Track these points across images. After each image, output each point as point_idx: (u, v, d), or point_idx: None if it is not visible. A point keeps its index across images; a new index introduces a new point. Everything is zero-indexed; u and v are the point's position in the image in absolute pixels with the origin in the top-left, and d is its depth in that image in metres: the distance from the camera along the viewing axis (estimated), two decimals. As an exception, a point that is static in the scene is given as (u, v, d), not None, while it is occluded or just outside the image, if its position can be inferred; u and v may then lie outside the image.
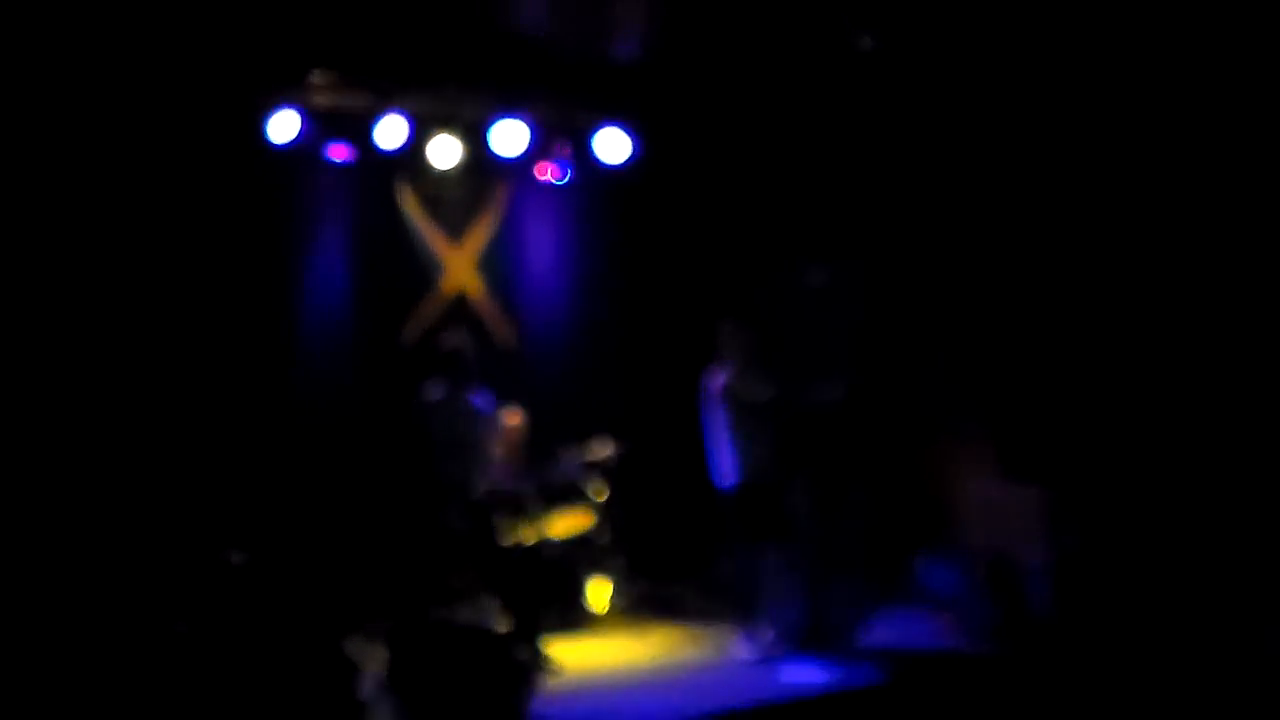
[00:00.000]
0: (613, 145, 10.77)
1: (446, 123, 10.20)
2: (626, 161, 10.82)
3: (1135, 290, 8.90)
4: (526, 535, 8.95)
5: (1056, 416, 9.15)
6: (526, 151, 10.41)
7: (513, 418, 9.57)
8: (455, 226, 10.71)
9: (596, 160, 10.80)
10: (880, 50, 9.12)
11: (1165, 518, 8.45)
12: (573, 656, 8.28)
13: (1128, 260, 8.92)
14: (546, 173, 10.76)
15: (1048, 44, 8.92)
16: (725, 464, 8.42)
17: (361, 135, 9.93)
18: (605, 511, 9.62)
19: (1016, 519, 8.86)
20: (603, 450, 9.65)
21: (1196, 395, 8.50)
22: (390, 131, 9.90)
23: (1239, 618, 7.67)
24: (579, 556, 9.15)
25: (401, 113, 9.92)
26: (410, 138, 9.99)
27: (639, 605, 9.66)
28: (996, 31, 8.95)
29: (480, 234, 10.81)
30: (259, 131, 9.51)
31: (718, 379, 8.50)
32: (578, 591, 9.04)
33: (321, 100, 9.80)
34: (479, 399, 8.86)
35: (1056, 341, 9.31)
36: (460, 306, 10.64)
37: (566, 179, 10.81)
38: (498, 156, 10.37)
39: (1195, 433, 8.48)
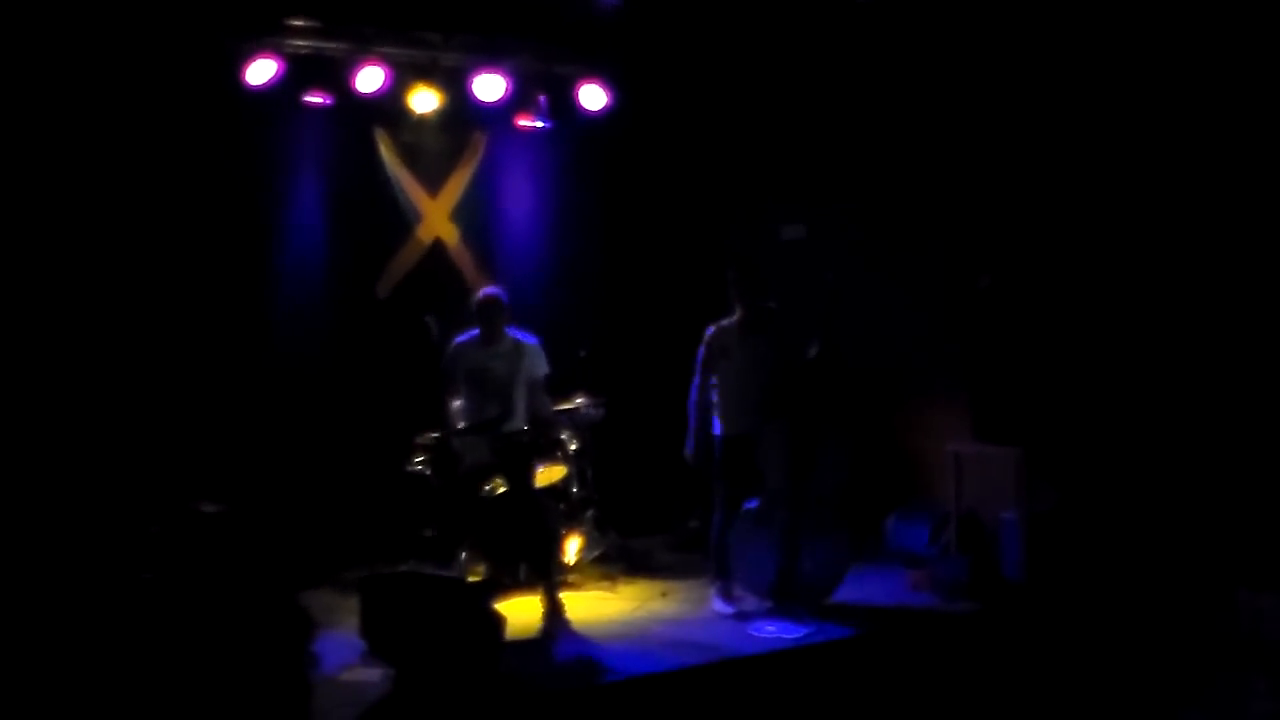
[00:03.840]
0: (590, 95, 10.65)
1: (425, 71, 10.08)
2: (605, 110, 10.69)
3: (1109, 250, 8.91)
4: (498, 485, 8.92)
5: (1029, 375, 9.21)
6: (505, 101, 10.29)
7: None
8: (433, 175, 10.65)
9: (574, 110, 10.67)
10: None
11: (1137, 477, 8.50)
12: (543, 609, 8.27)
13: (1102, 217, 8.94)
14: (524, 121, 10.65)
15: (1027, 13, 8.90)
16: (716, 415, 8.41)
17: (339, 80, 9.76)
18: (577, 463, 9.61)
19: (988, 477, 8.92)
20: (576, 401, 9.66)
21: (1168, 354, 8.53)
22: (368, 78, 9.75)
23: (1210, 578, 7.71)
24: (551, 508, 9.03)
25: (379, 59, 9.81)
26: (388, 85, 9.85)
27: (610, 559, 9.63)
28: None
29: (458, 183, 10.76)
30: (236, 75, 9.37)
31: (720, 325, 8.47)
32: (556, 543, 8.89)
33: (298, 45, 9.65)
34: (522, 335, 8.88)
35: (1030, 299, 9.35)
36: (436, 255, 10.62)
37: (544, 127, 10.68)
38: (477, 104, 10.24)
39: (1167, 392, 8.52)
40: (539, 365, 8.91)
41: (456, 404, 8.88)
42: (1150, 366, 8.61)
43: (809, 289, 8.43)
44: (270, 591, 7.02)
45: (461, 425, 8.73)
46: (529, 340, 8.88)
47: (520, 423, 8.85)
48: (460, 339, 8.80)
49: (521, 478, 8.51)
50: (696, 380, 8.47)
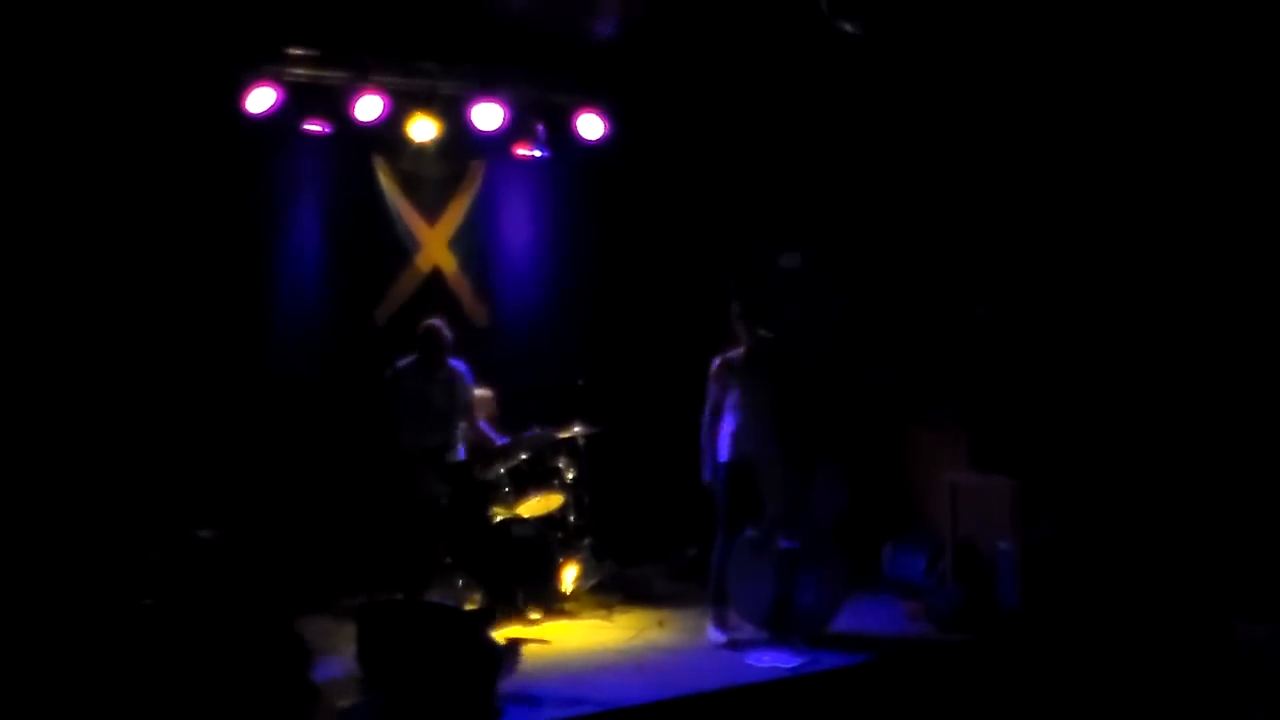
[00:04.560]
0: (588, 125, 10.71)
1: (424, 100, 10.14)
2: (601, 140, 10.75)
3: (1106, 280, 8.91)
4: (496, 512, 8.94)
5: (1027, 406, 9.18)
6: (503, 130, 10.34)
7: (484, 395, 9.59)
8: (431, 203, 10.68)
9: (572, 139, 10.72)
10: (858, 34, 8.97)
11: (1134, 508, 8.49)
12: (541, 637, 8.36)
13: (1098, 248, 8.94)
14: (522, 150, 10.68)
15: (1030, 36, 8.88)
16: (721, 443, 8.41)
17: (338, 109, 9.86)
18: (574, 492, 9.59)
19: (985, 507, 8.91)
20: (573, 429, 9.61)
21: (1166, 386, 8.52)
22: (367, 106, 9.83)
23: (1207, 609, 7.66)
24: (548, 536, 9.06)
25: (378, 88, 9.87)
26: (387, 113, 9.93)
27: (607, 587, 9.58)
28: (978, 21, 8.88)
29: (456, 211, 10.78)
30: (236, 103, 9.43)
31: (725, 356, 8.50)
32: (549, 571, 8.95)
33: (298, 73, 9.73)
34: (457, 363, 9.06)
35: (1027, 328, 9.34)
36: (434, 283, 10.63)
37: (541, 156, 10.70)
38: (475, 133, 10.30)
39: (1165, 424, 8.50)
40: (468, 392, 9.15)
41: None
42: (1148, 397, 8.59)
43: (807, 317, 8.40)
44: (268, 618, 7.00)
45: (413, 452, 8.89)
46: (460, 368, 9.11)
47: (458, 452, 9.07)
48: (398, 365, 9.00)
49: (478, 511, 8.73)
50: (707, 410, 8.49)
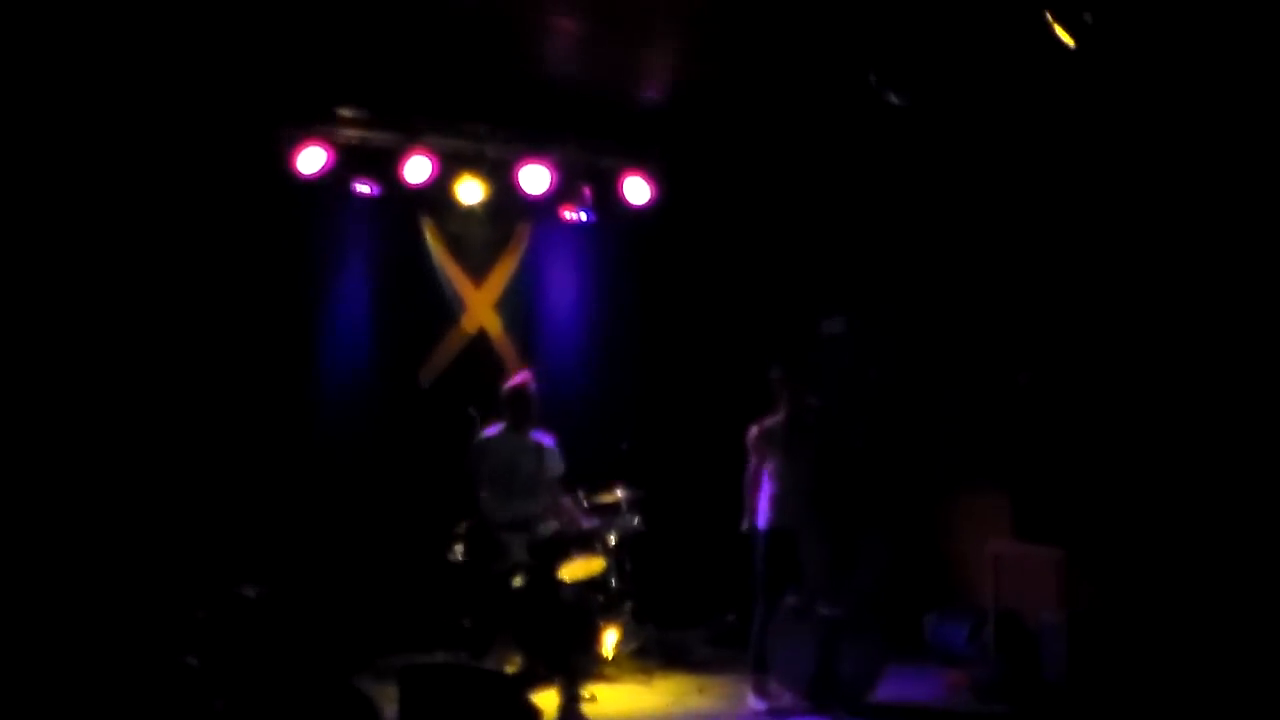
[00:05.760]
0: (634, 188, 10.77)
1: (472, 162, 10.23)
2: (647, 204, 10.82)
3: (1152, 347, 8.85)
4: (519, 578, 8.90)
5: (1071, 474, 9.11)
6: (550, 193, 10.40)
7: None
8: (478, 265, 10.74)
9: (618, 202, 10.79)
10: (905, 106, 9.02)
11: (1184, 578, 8.34)
12: (581, 702, 8.22)
13: (1144, 316, 8.89)
14: (569, 213, 10.76)
15: (1070, 112, 8.90)
16: (761, 509, 8.41)
17: (387, 170, 9.94)
18: (616, 556, 9.55)
19: (1029, 577, 8.85)
20: (617, 494, 9.61)
21: (1217, 453, 8.40)
22: (416, 168, 9.92)
23: (1257, 685, 7.56)
24: (591, 601, 9.01)
25: (427, 149, 9.96)
26: (436, 175, 9.99)
27: (647, 652, 9.52)
28: (1021, 93, 8.88)
29: (502, 273, 10.84)
30: (286, 164, 9.56)
31: (763, 424, 8.50)
32: (591, 636, 8.91)
33: (348, 135, 9.85)
34: (542, 435, 8.83)
35: (1073, 398, 9.26)
36: (479, 345, 10.67)
37: (588, 219, 10.79)
38: (522, 196, 10.36)
39: (1216, 491, 8.38)
40: (558, 465, 8.89)
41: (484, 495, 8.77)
42: (1198, 464, 8.47)
43: (850, 383, 8.38)
44: (328, 677, 6.97)
45: (499, 519, 8.63)
46: (548, 442, 8.86)
47: (549, 523, 8.82)
48: (487, 433, 8.75)
49: (549, 577, 8.51)
50: (749, 468, 8.49)
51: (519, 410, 8.69)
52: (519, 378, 8.87)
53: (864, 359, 8.90)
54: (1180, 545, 8.47)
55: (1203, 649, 8.01)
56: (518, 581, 8.40)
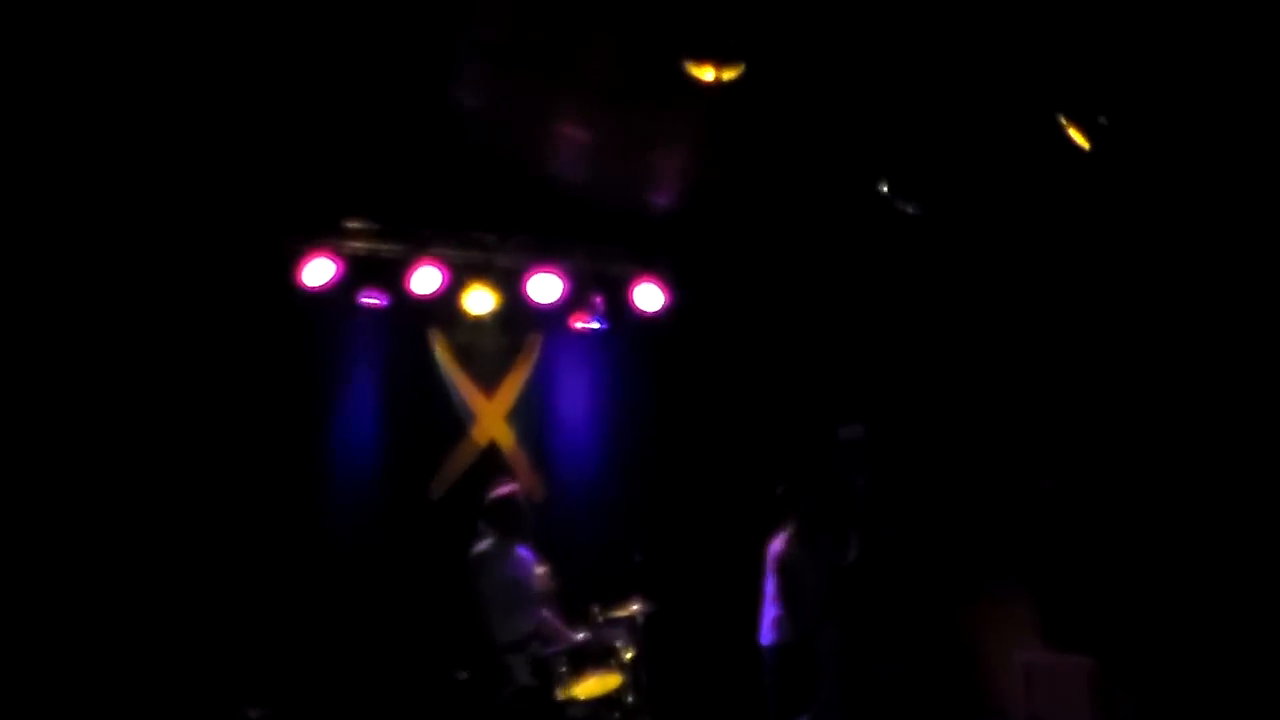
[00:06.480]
0: (646, 295, 10.76)
1: (481, 271, 10.20)
2: (660, 311, 10.78)
3: (1179, 449, 8.65)
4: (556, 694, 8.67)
5: (1102, 579, 8.88)
6: (560, 301, 10.38)
7: (541, 572, 9.24)
8: (488, 376, 10.66)
9: (630, 310, 10.76)
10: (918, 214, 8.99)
11: (1225, 690, 8.06)
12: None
13: (1169, 419, 8.72)
14: (580, 322, 10.71)
15: (1089, 213, 8.83)
16: (776, 623, 8.37)
17: (395, 281, 9.93)
18: (632, 672, 9.16)
19: (1061, 688, 8.65)
20: (631, 607, 9.30)
21: (1256, 557, 8.20)
22: (424, 279, 9.90)
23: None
24: (605, 719, 8.74)
25: (436, 260, 9.93)
26: (445, 285, 9.98)
27: None
28: (1037, 196, 8.86)
29: (513, 384, 10.75)
30: (293, 276, 9.54)
31: (776, 542, 8.48)
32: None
33: (356, 246, 9.83)
34: (524, 550, 8.65)
35: (1100, 501, 9.07)
36: (491, 457, 10.51)
37: (600, 328, 10.74)
38: (532, 305, 10.34)
39: (1257, 598, 8.15)
40: (543, 580, 8.71)
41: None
42: (1233, 568, 8.24)
43: (868, 491, 8.27)
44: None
45: (500, 640, 8.38)
46: (529, 556, 8.68)
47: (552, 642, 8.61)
48: (480, 547, 8.50)
49: (551, 700, 8.33)
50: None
51: (510, 521, 8.53)
52: (506, 487, 8.72)
53: (883, 466, 8.75)
54: (1220, 653, 8.18)
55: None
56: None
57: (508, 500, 8.56)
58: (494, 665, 8.28)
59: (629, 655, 9.16)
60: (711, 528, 10.73)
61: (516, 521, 8.52)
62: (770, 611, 8.30)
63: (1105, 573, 8.85)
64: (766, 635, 8.31)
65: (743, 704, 9.70)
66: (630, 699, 9.09)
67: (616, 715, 8.89)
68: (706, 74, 7.39)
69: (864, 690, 8.01)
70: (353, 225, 9.78)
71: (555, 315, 10.62)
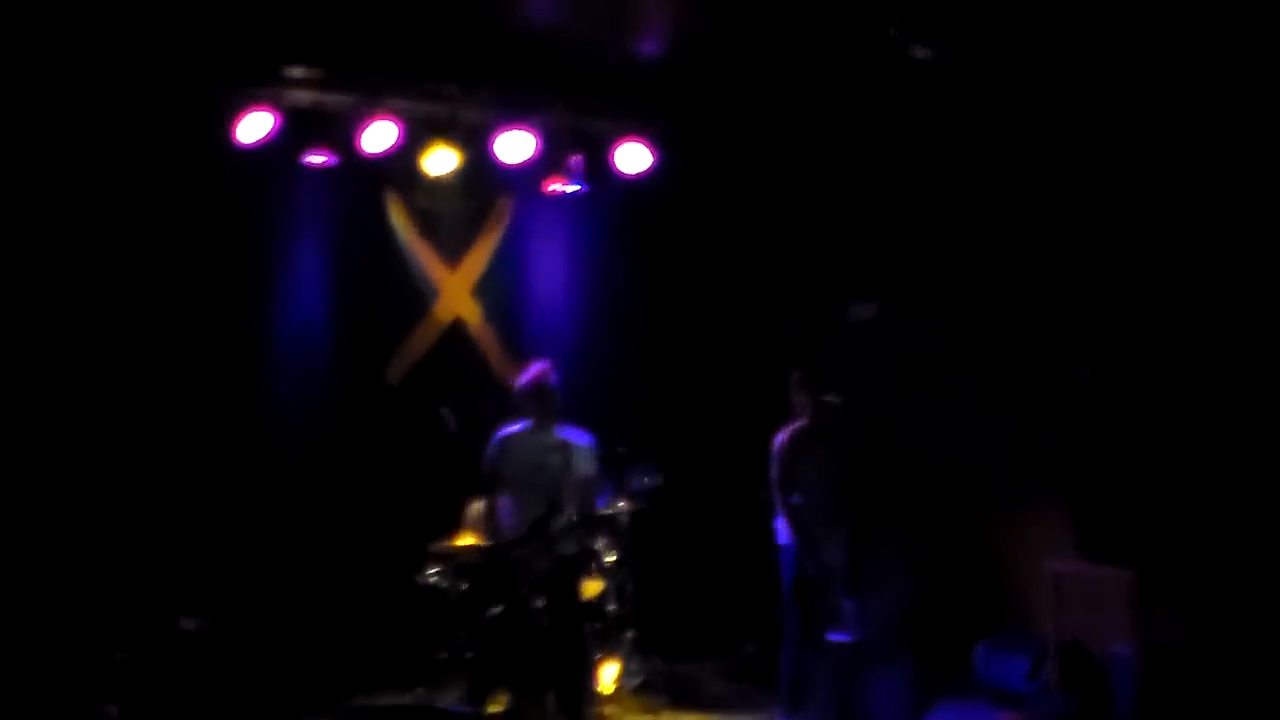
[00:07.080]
0: (631, 155, 10.25)
1: (443, 128, 9.63)
2: (646, 173, 10.28)
3: (1235, 336, 8.00)
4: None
5: (1143, 482, 8.33)
6: (533, 161, 9.86)
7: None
8: (451, 245, 10.25)
9: (612, 171, 10.27)
10: (935, 60, 8.60)
11: (1274, 605, 7.61)
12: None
13: (1226, 296, 8.06)
14: (555, 185, 10.21)
15: (1131, 55, 8.20)
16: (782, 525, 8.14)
17: (344, 138, 9.36)
18: (615, 577, 8.98)
19: (1096, 603, 8.19)
20: (616, 505, 8.96)
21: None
22: (377, 135, 9.36)
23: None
24: (584, 628, 8.26)
25: (390, 114, 9.38)
26: (401, 143, 9.42)
27: (653, 687, 9.03)
28: (1066, 39, 8.29)
29: (480, 254, 10.35)
30: (225, 131, 8.97)
31: (784, 434, 8.09)
32: (585, 673, 8.16)
33: (298, 97, 9.27)
34: (572, 432, 8.18)
35: (1144, 394, 8.48)
36: (455, 336, 10.21)
37: (578, 191, 10.23)
38: (501, 166, 9.84)
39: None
40: (590, 464, 8.13)
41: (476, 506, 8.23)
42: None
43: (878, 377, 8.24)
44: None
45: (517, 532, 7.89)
46: (579, 439, 8.14)
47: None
48: (505, 431, 8.02)
49: (568, 598, 7.78)
50: (778, 499, 8.06)
51: (542, 404, 8.00)
52: (536, 368, 8.16)
53: (899, 350, 8.41)
54: (1270, 565, 7.68)
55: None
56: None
57: (539, 384, 8.06)
58: (502, 565, 7.76)
59: (611, 559, 8.89)
60: (704, 416, 10.50)
61: (550, 405, 8.05)
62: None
63: (1149, 476, 8.33)
64: (783, 534, 8.06)
65: (742, 614, 9.56)
66: (613, 607, 8.94)
67: (597, 625, 8.57)
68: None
69: (867, 598, 7.61)
70: (294, 73, 9.19)
71: (527, 177, 10.11)
